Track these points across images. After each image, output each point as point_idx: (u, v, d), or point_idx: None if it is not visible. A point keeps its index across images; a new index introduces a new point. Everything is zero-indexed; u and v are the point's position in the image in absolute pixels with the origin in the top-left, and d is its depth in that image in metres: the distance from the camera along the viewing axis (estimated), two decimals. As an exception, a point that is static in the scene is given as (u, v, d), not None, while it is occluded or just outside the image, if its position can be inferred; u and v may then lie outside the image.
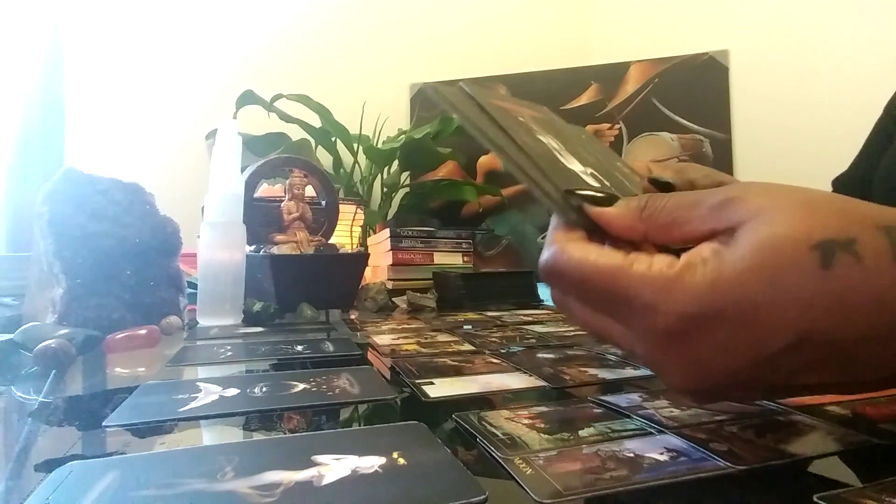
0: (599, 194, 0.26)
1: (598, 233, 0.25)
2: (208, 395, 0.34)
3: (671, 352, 0.22)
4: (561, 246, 0.25)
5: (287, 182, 0.85)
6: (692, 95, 1.55)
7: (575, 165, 0.30)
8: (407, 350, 0.49)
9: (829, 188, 0.53)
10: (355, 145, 1.50)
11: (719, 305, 0.20)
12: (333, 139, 1.47)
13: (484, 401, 0.33)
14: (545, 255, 0.25)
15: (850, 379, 0.22)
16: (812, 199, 0.21)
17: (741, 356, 0.21)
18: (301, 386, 0.36)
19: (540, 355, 0.45)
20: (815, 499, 0.19)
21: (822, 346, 0.20)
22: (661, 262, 0.22)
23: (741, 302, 0.20)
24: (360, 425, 0.31)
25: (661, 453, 0.23)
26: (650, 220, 0.24)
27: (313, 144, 1.47)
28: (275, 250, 0.79)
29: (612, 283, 0.23)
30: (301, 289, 0.76)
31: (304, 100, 1.40)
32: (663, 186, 0.33)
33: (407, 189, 1.55)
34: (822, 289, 0.20)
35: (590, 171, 0.30)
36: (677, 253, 0.23)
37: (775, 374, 0.21)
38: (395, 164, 1.51)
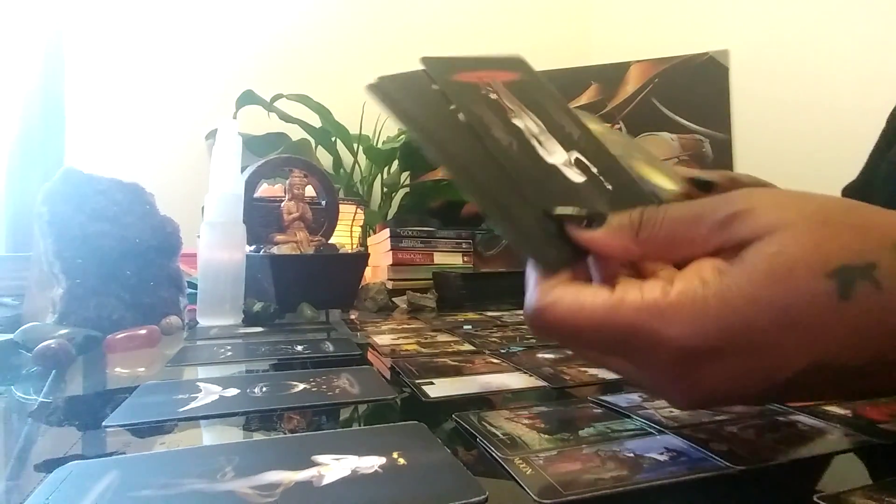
0: (583, 213, 0.23)
1: (582, 264, 0.23)
2: (208, 395, 0.34)
3: (678, 383, 0.21)
4: (545, 299, 0.22)
5: (287, 182, 0.85)
6: (692, 95, 1.55)
7: (556, 153, 0.26)
8: (407, 350, 0.49)
9: (833, 193, 0.53)
10: (355, 145, 1.50)
11: (726, 337, 0.19)
12: (333, 139, 1.46)
13: (484, 401, 0.33)
14: (531, 311, 0.22)
15: (859, 395, 0.22)
16: (827, 215, 0.19)
17: (751, 384, 0.20)
18: (301, 386, 0.36)
19: (540, 355, 0.45)
20: (815, 499, 0.19)
21: (835, 370, 0.19)
22: (653, 291, 0.20)
23: (751, 333, 0.19)
24: (360, 425, 0.31)
25: (661, 453, 0.23)
26: (648, 242, 0.21)
27: (313, 144, 1.47)
28: (275, 250, 0.79)
29: (607, 327, 0.20)
30: (301, 289, 0.76)
31: (304, 100, 1.40)
32: (704, 186, 0.30)
33: (407, 189, 1.55)
34: (839, 320, 0.18)
35: (575, 156, 0.26)
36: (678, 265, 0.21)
37: (784, 395, 0.21)
38: (395, 164, 1.51)
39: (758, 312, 0.18)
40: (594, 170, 0.26)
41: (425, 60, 0.28)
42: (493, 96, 0.28)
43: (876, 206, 0.21)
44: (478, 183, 0.24)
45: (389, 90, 0.27)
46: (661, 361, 0.20)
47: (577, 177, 0.26)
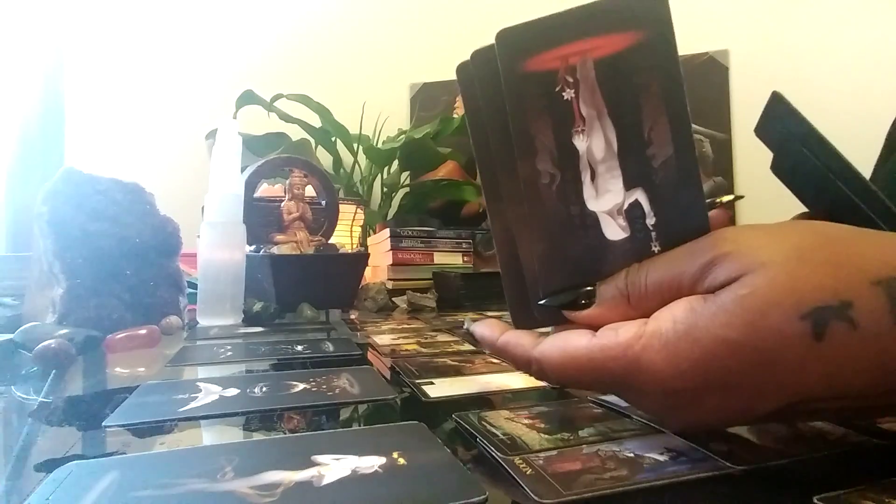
0: (572, 297, 0.23)
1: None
2: (208, 395, 0.34)
3: (664, 416, 0.23)
4: (534, 354, 0.24)
5: (287, 182, 0.85)
6: (692, 95, 1.54)
7: (609, 193, 0.22)
8: (407, 350, 0.49)
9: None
10: (355, 145, 1.50)
11: (702, 379, 0.19)
12: (333, 139, 1.46)
13: (484, 401, 0.33)
14: (529, 366, 0.25)
15: (852, 419, 0.23)
16: (802, 253, 0.19)
17: (733, 416, 0.21)
18: (301, 386, 0.36)
19: (540, 355, 0.45)
20: (814, 499, 0.19)
21: (818, 402, 0.20)
22: (627, 333, 0.21)
23: (725, 375, 0.19)
24: (360, 425, 0.31)
25: (661, 453, 0.23)
26: (640, 305, 0.22)
27: (313, 144, 1.47)
28: (275, 250, 0.79)
29: (592, 372, 0.22)
30: (301, 289, 0.76)
31: (304, 100, 1.40)
32: (731, 204, 0.29)
33: (407, 189, 1.55)
34: (814, 360, 0.18)
35: (635, 197, 0.22)
36: None
37: (774, 420, 0.22)
38: (395, 164, 1.51)
39: (730, 353, 0.19)
40: (650, 221, 0.23)
41: (499, 38, 0.22)
42: (569, 95, 0.22)
43: (858, 231, 0.21)
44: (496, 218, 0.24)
45: (510, 48, 0.22)
46: (648, 401, 0.22)
47: (616, 232, 0.23)
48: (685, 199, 0.22)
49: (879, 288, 0.18)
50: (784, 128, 0.28)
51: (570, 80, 0.22)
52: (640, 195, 0.23)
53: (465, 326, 0.31)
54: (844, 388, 0.19)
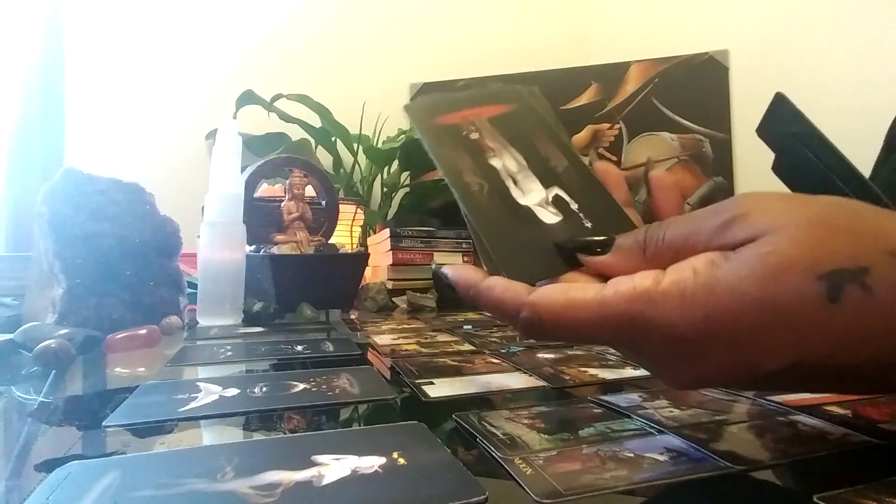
0: (591, 239, 0.24)
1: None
2: (208, 395, 0.34)
3: (667, 368, 0.22)
4: (534, 298, 0.22)
5: (287, 182, 0.85)
6: (692, 95, 1.55)
7: (533, 192, 0.26)
8: (407, 350, 0.49)
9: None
10: (355, 145, 1.50)
11: (711, 327, 0.19)
12: (333, 139, 1.46)
13: (484, 401, 0.33)
14: (522, 311, 0.22)
15: (851, 391, 0.22)
16: (822, 217, 0.20)
17: (738, 373, 0.20)
18: (301, 386, 0.36)
19: (540, 355, 0.45)
20: (815, 499, 0.19)
21: (823, 367, 0.19)
22: (645, 280, 0.20)
23: (735, 327, 0.19)
24: (360, 425, 0.31)
25: (661, 453, 0.23)
26: (655, 258, 0.22)
27: (313, 144, 1.47)
28: (275, 250, 0.79)
29: (599, 319, 0.21)
30: (301, 289, 0.76)
31: (304, 100, 1.40)
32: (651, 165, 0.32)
33: (407, 189, 1.55)
34: (827, 322, 0.18)
35: (554, 192, 0.27)
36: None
37: (773, 385, 0.22)
38: (395, 164, 1.51)
39: (743, 307, 0.19)
40: (574, 206, 0.26)
41: (407, 109, 0.29)
42: (475, 136, 0.28)
43: (880, 208, 0.21)
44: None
45: (418, 112, 0.29)
46: (651, 347, 0.21)
47: (551, 217, 0.26)
48: (592, 190, 0.27)
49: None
50: (787, 129, 0.28)
51: (473, 128, 0.29)
52: (557, 191, 0.27)
53: (434, 268, 0.32)
54: (850, 355, 0.19)
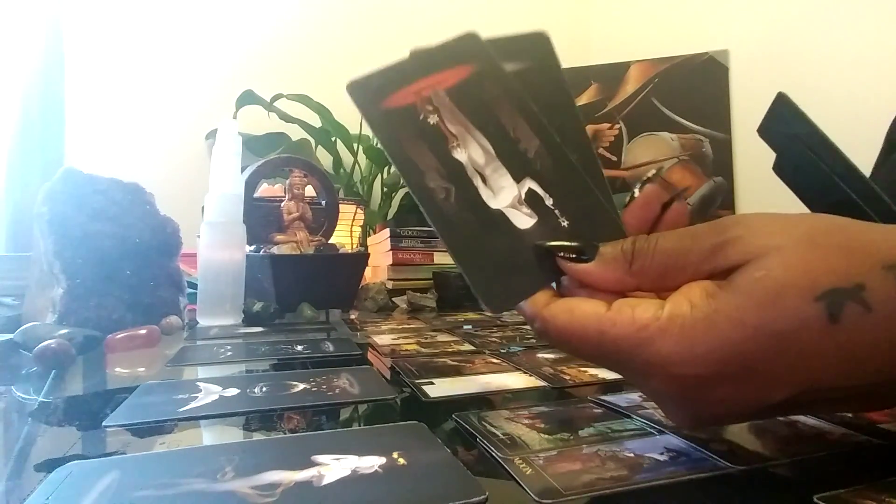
0: (572, 245, 0.23)
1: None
2: (208, 395, 0.34)
3: (670, 406, 0.22)
4: (541, 313, 0.22)
5: (287, 182, 0.85)
6: (692, 95, 1.55)
7: (504, 189, 0.24)
8: (407, 350, 0.49)
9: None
10: (355, 145, 1.50)
11: (716, 362, 0.19)
12: (333, 139, 1.46)
13: (484, 401, 0.33)
14: (532, 324, 0.23)
15: (859, 410, 0.22)
16: (813, 235, 0.19)
17: (742, 407, 0.20)
18: (301, 386, 0.36)
19: (540, 355, 0.45)
20: (815, 499, 0.19)
21: (828, 391, 0.19)
22: (645, 313, 0.20)
23: (741, 359, 0.19)
24: (360, 425, 0.31)
25: (661, 453, 0.23)
26: (640, 273, 0.21)
27: (313, 144, 1.47)
28: (275, 250, 0.79)
29: (599, 345, 0.21)
30: (301, 289, 0.76)
31: (304, 100, 1.40)
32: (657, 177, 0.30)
33: (407, 189, 1.55)
34: (829, 344, 0.18)
35: (527, 186, 0.24)
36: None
37: (779, 413, 0.22)
38: (395, 164, 1.51)
39: (746, 338, 0.18)
40: (549, 202, 0.24)
41: (351, 89, 0.25)
42: (433, 119, 0.25)
43: (866, 222, 0.21)
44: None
45: (363, 93, 0.25)
46: (653, 384, 0.21)
47: (525, 220, 0.24)
48: (566, 177, 0.25)
49: (891, 273, 0.18)
50: (788, 129, 0.28)
51: (430, 107, 0.25)
52: (530, 184, 0.25)
53: None
54: (856, 374, 0.19)
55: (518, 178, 0.25)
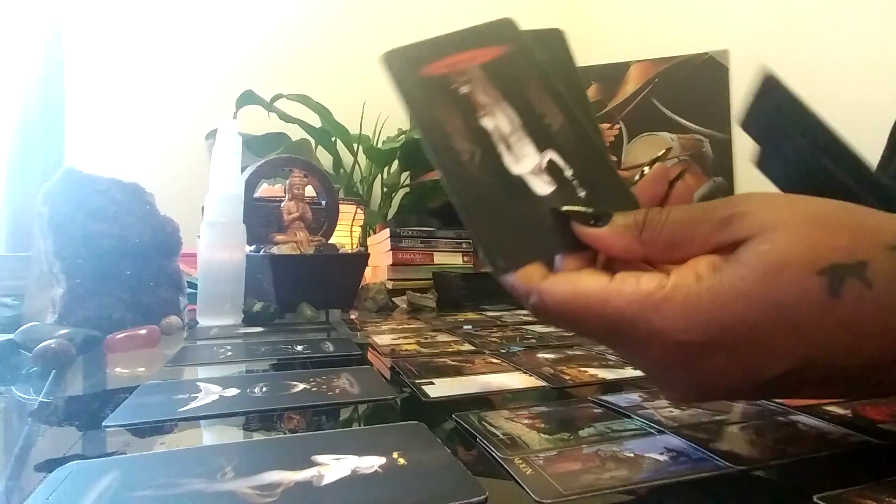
0: (588, 210, 0.23)
1: (575, 250, 0.23)
2: (208, 395, 0.34)
3: (669, 377, 0.22)
4: (540, 287, 0.22)
5: (287, 182, 0.85)
6: (692, 95, 1.55)
7: (526, 158, 0.25)
8: (407, 350, 0.49)
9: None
10: (355, 145, 1.50)
11: (717, 331, 0.19)
12: (333, 139, 1.46)
13: (484, 401, 0.33)
14: (530, 297, 0.23)
15: (853, 395, 0.22)
16: (819, 215, 0.20)
17: (740, 379, 0.20)
18: (301, 386, 0.36)
19: (540, 355, 0.45)
20: (815, 499, 0.19)
21: (825, 369, 0.19)
22: (649, 283, 0.20)
23: (741, 328, 0.19)
24: (360, 425, 0.31)
25: (661, 453, 0.23)
26: (650, 242, 0.22)
27: (313, 144, 1.47)
28: (275, 250, 0.79)
29: (601, 315, 0.21)
30: (301, 289, 0.76)
31: (304, 100, 1.40)
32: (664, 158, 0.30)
33: (407, 189, 1.55)
34: (828, 317, 0.18)
35: (548, 157, 0.25)
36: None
37: (775, 391, 0.22)
38: (395, 164, 1.51)
39: (748, 308, 0.19)
40: (568, 172, 0.25)
41: (386, 58, 0.26)
42: (465, 89, 0.26)
43: (873, 209, 0.21)
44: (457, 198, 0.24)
45: (399, 62, 0.26)
46: (654, 353, 0.21)
47: (544, 187, 0.25)
48: (587, 152, 0.26)
49: (894, 252, 0.19)
50: (780, 118, 0.27)
51: (463, 79, 0.27)
52: (552, 155, 0.26)
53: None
54: (854, 350, 0.19)
55: (541, 149, 0.26)
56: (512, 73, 0.27)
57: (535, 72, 0.27)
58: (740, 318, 0.19)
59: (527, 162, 0.25)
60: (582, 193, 0.25)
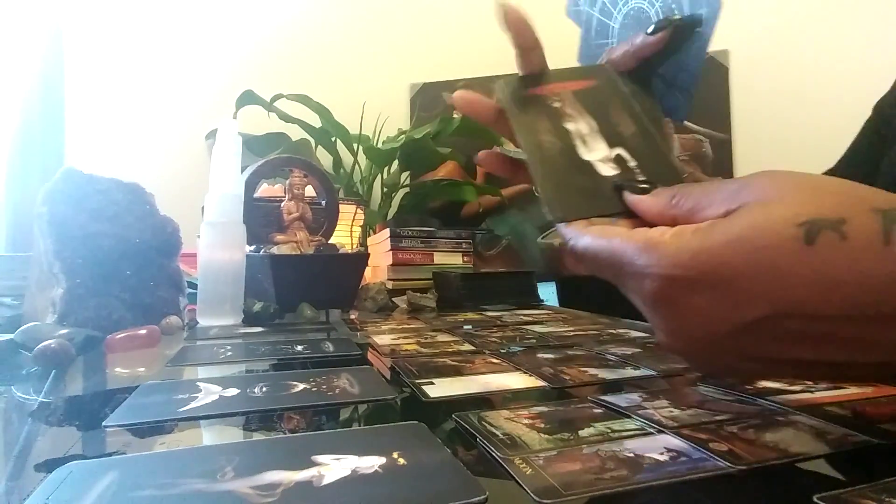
0: (637, 184, 0.28)
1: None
2: (208, 395, 0.34)
3: (658, 313, 0.25)
4: (578, 230, 0.27)
5: (287, 182, 0.85)
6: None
7: (597, 150, 0.31)
8: (407, 350, 0.49)
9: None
10: (355, 145, 1.50)
11: (698, 270, 0.22)
12: (333, 139, 1.47)
13: (484, 401, 0.33)
14: (570, 243, 0.28)
15: (826, 359, 0.22)
16: (815, 184, 0.22)
17: (719, 322, 0.22)
18: (301, 386, 0.36)
19: (540, 355, 0.45)
20: (815, 499, 0.19)
21: (799, 319, 0.21)
22: (655, 231, 0.24)
23: (719, 270, 0.21)
24: (360, 425, 0.31)
25: (661, 453, 0.23)
26: (678, 206, 0.26)
27: (313, 144, 1.47)
28: (275, 250, 0.79)
29: (613, 252, 0.25)
30: (301, 289, 0.76)
31: (304, 100, 1.40)
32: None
33: (407, 189, 1.55)
34: (801, 263, 0.20)
35: (617, 152, 0.31)
36: None
37: (755, 344, 0.22)
38: (395, 164, 1.51)
39: (729, 249, 0.21)
40: (632, 164, 0.30)
41: (504, 81, 0.34)
42: (557, 104, 0.33)
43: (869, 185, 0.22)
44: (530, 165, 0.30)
45: (510, 85, 0.34)
46: (646, 287, 0.24)
47: (609, 170, 0.30)
48: (653, 153, 0.31)
49: (877, 214, 0.20)
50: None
51: (556, 98, 0.34)
52: (620, 150, 0.31)
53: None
54: (828, 300, 0.20)
55: (611, 146, 0.31)
56: (597, 97, 0.34)
57: (619, 97, 0.34)
58: (721, 259, 0.21)
59: (597, 152, 0.31)
60: (641, 177, 0.30)
